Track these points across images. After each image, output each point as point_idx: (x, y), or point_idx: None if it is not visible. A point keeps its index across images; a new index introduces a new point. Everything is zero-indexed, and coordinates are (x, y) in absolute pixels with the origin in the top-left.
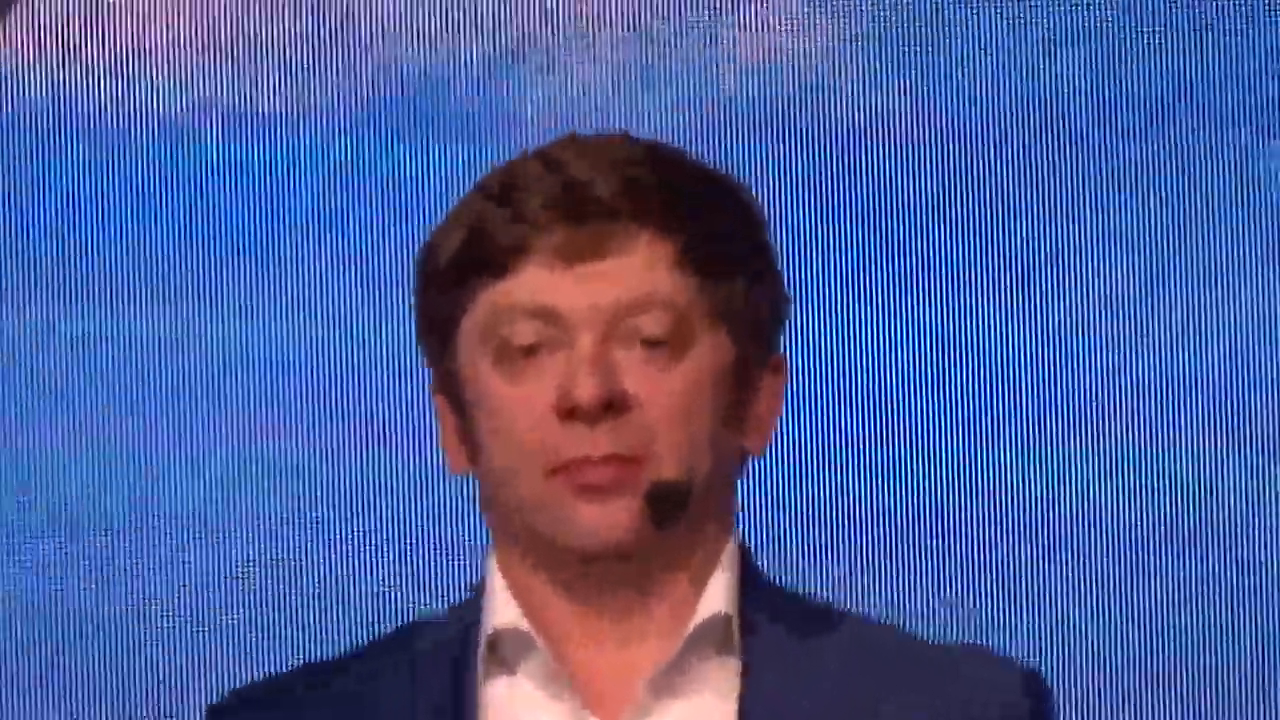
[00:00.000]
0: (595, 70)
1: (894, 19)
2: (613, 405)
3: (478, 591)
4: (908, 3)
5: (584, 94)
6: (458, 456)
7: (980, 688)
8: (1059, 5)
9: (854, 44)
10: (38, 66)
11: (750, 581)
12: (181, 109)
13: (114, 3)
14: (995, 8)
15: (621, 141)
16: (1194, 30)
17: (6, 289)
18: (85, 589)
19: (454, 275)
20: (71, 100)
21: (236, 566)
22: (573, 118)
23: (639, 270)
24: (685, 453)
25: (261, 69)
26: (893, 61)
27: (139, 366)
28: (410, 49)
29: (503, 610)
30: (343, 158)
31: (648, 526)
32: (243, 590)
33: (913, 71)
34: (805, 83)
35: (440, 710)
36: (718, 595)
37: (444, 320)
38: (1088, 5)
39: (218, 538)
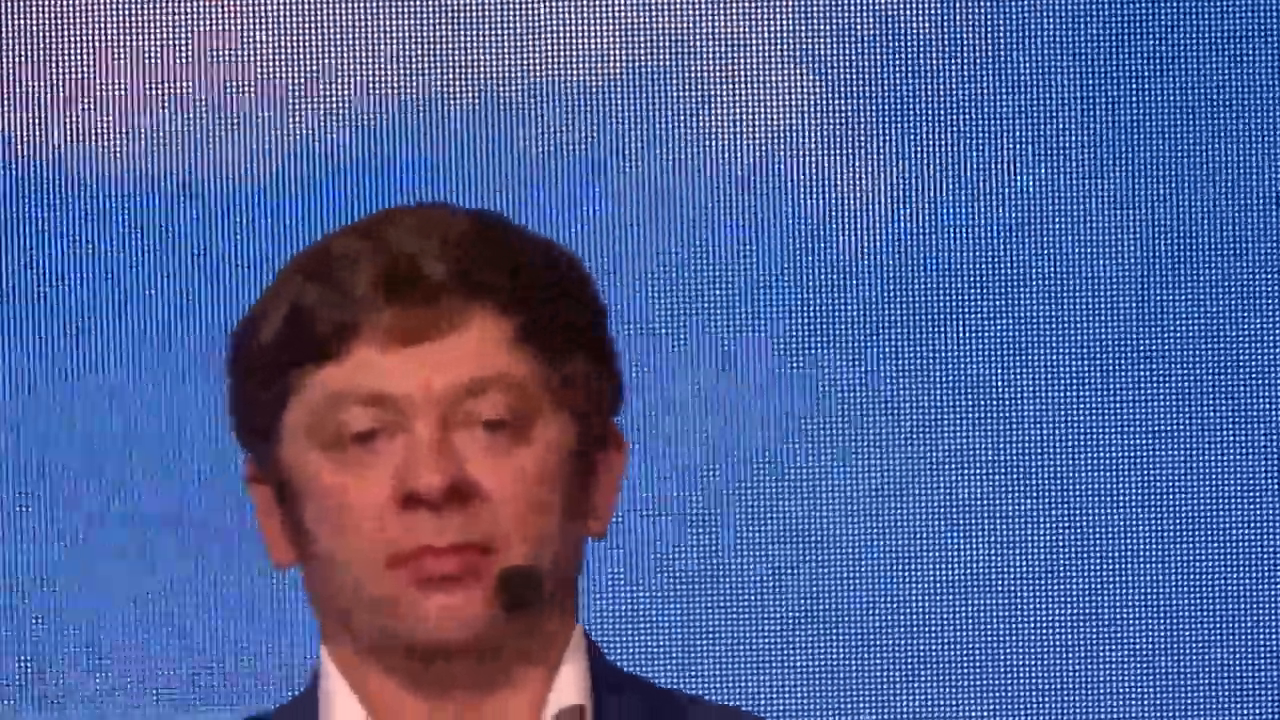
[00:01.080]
0: None
1: None
2: (457, 492)
3: (310, 690)
4: None
5: None
6: (283, 550)
7: None
8: None
9: None
10: None
11: (599, 669)
12: None
13: None
14: None
15: (446, 213)
16: None
17: None
18: None
19: (276, 358)
20: None
21: None
22: None
23: (475, 350)
24: (535, 538)
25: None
26: None
27: None
28: None
29: (344, 711)
30: None
31: (497, 616)
32: None
33: None
34: None
35: None
36: (570, 685)
37: (265, 406)
38: None
39: None
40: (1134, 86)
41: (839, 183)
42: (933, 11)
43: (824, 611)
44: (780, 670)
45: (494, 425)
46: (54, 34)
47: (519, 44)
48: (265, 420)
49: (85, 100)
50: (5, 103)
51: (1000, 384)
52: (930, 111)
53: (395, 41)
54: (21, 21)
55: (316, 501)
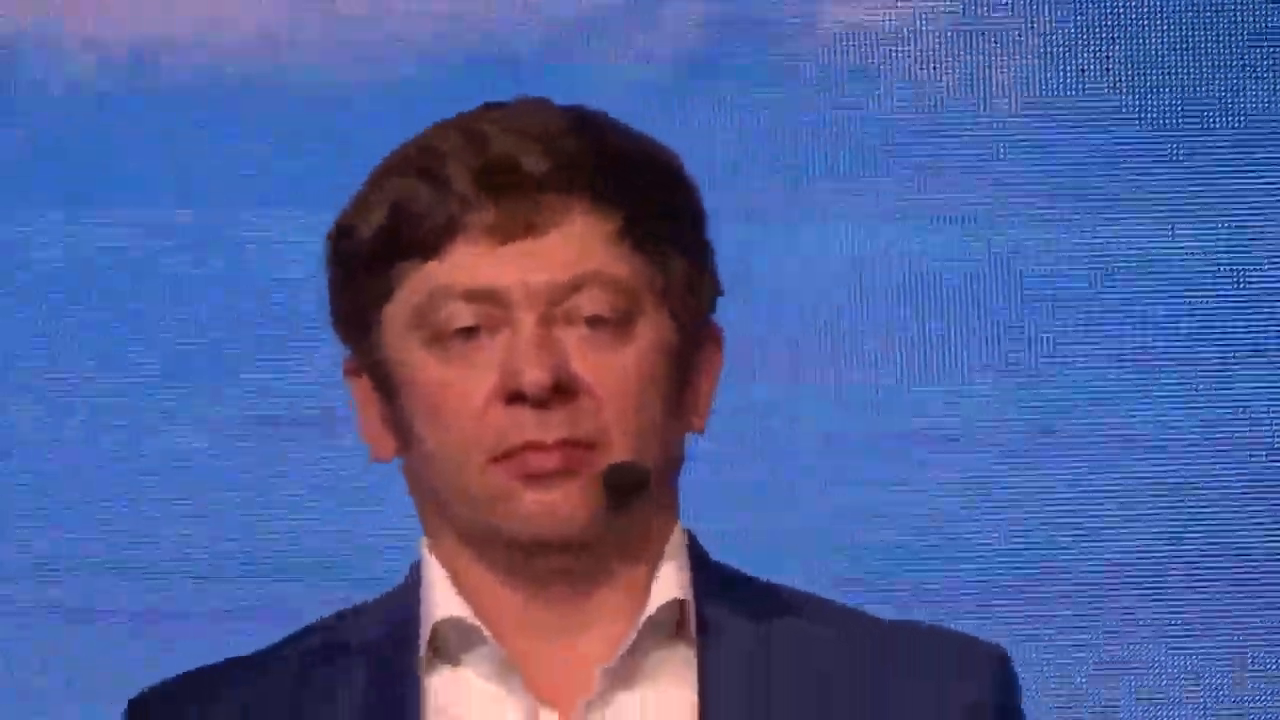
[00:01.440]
0: None
1: None
2: (561, 388)
3: (411, 582)
4: None
5: None
6: (383, 443)
7: (947, 664)
8: None
9: None
10: None
11: (700, 565)
12: None
13: None
14: None
15: (546, 108)
16: None
17: None
18: None
19: (377, 255)
20: None
21: None
22: None
23: (578, 247)
24: (638, 435)
25: None
26: None
27: None
28: None
29: (444, 601)
30: None
31: (600, 513)
32: None
33: None
34: None
35: (378, 705)
36: (670, 581)
37: (365, 304)
38: None
39: None
40: None
41: None
42: None
43: None
44: None
45: (596, 322)
46: None
47: None
48: (366, 315)
49: None
50: None
51: None
52: None
53: None
54: None
55: (419, 397)
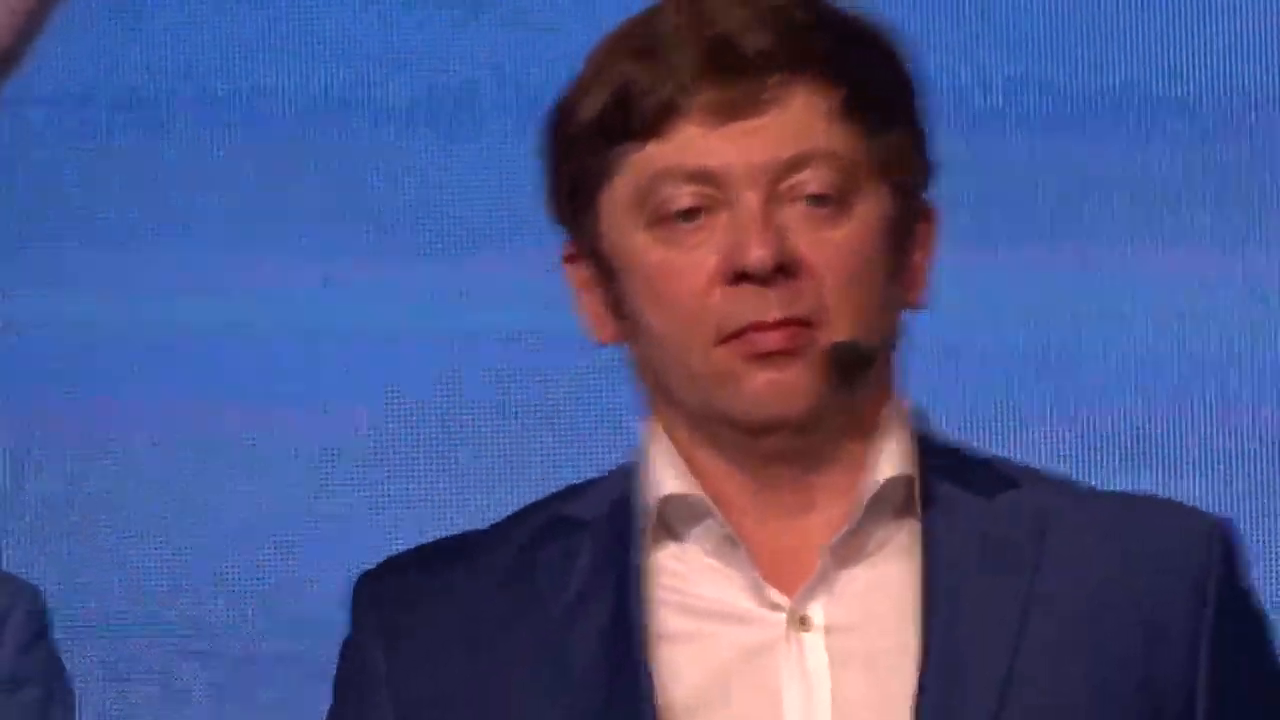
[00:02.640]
0: None
1: None
2: (784, 267)
3: (636, 461)
4: None
5: None
6: (604, 326)
7: (1170, 536)
8: None
9: None
10: None
11: (924, 441)
12: None
13: None
14: None
15: None
16: None
17: None
18: None
19: (597, 138)
20: None
21: None
22: None
23: (799, 125)
24: (861, 313)
25: None
26: None
27: None
28: None
29: (671, 478)
30: None
31: (825, 392)
32: None
33: None
34: None
35: (603, 577)
36: (894, 458)
37: (584, 186)
38: None
39: None
40: None
41: None
42: None
43: None
44: None
45: (817, 200)
46: None
47: None
48: (586, 198)
49: None
50: None
51: None
52: None
53: None
54: None
55: (641, 279)
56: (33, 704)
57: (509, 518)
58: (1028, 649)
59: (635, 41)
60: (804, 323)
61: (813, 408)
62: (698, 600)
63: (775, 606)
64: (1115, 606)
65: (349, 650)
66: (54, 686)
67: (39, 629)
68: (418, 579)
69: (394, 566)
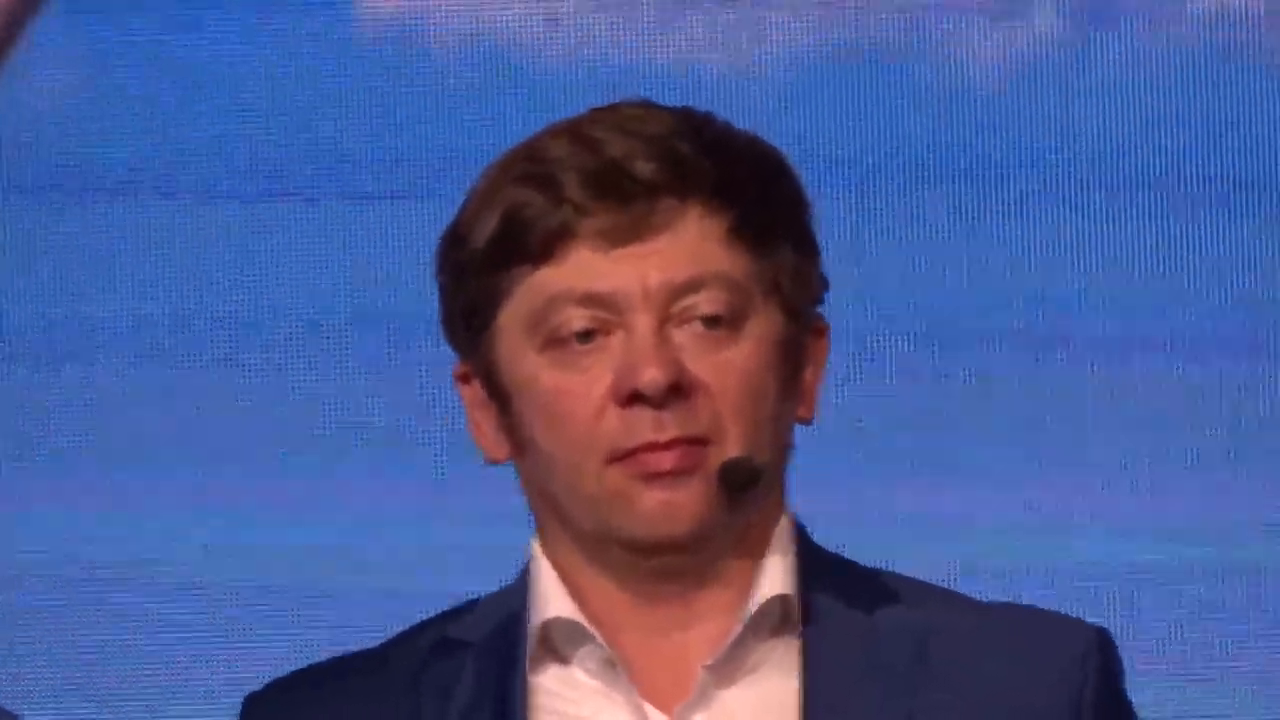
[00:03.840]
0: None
1: None
2: (678, 388)
3: (521, 581)
4: None
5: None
6: (495, 447)
7: (1049, 648)
8: None
9: None
10: None
11: (808, 556)
12: None
13: None
14: None
15: (650, 111)
16: None
17: None
18: None
19: (490, 261)
20: None
21: None
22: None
23: (690, 248)
24: (754, 430)
25: None
26: None
27: None
28: None
29: (555, 600)
30: None
31: (716, 511)
32: None
33: None
34: None
35: (485, 698)
36: (775, 576)
37: (479, 309)
38: None
39: None
40: None
41: None
42: None
43: None
44: None
45: (710, 321)
46: None
47: None
48: (480, 321)
49: None
50: None
51: None
52: None
53: None
54: None
55: (534, 400)
56: None
57: (397, 637)
58: None
59: (524, 167)
60: (697, 441)
61: (703, 527)
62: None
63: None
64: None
65: None
66: None
67: None
68: (303, 701)
69: (281, 688)
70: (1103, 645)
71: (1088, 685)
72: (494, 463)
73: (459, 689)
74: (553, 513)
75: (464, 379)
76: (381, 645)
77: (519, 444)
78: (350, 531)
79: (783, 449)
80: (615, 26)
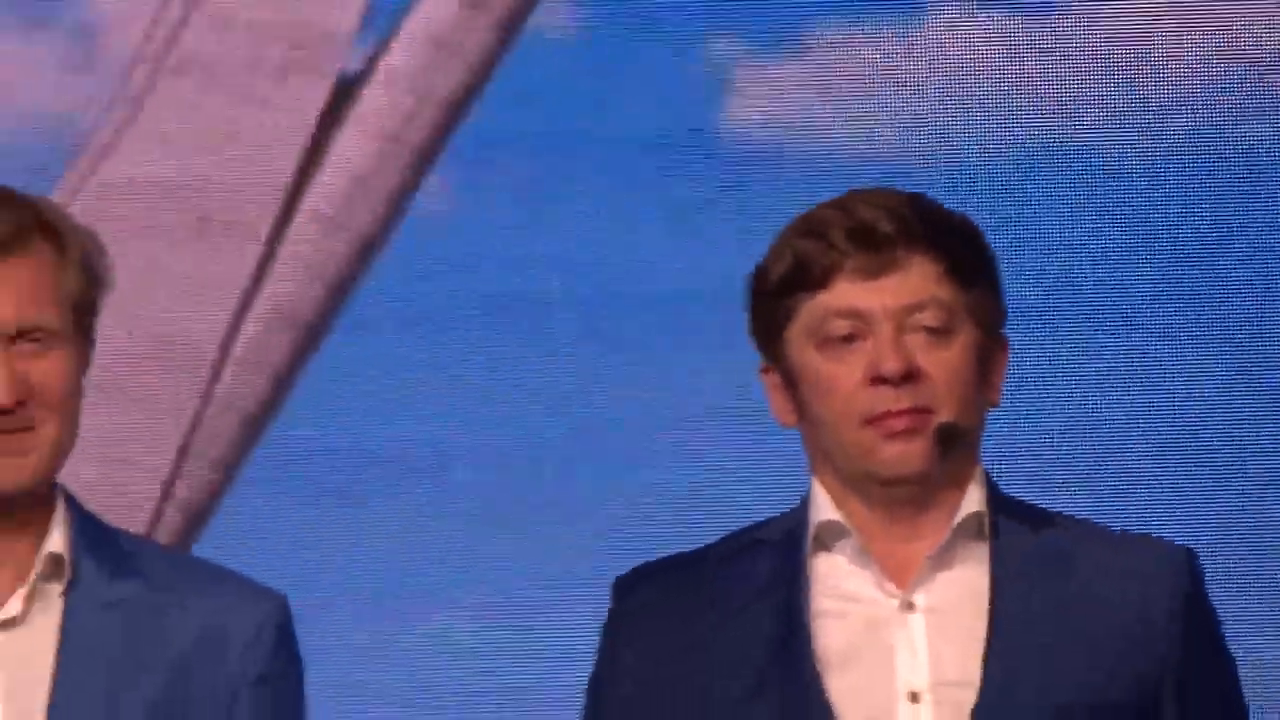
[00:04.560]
0: None
1: None
2: (909, 374)
3: (804, 501)
4: None
5: None
6: (787, 416)
7: (1157, 560)
8: None
9: None
10: None
11: (994, 493)
12: None
13: None
14: None
15: (890, 192)
16: None
17: None
18: None
19: (784, 290)
20: None
21: None
22: None
23: (916, 282)
24: (959, 405)
25: None
26: None
27: None
28: None
29: (825, 511)
30: None
31: (934, 458)
32: None
33: None
34: None
35: (780, 576)
36: (973, 502)
37: (777, 322)
38: None
39: None
40: None
41: None
42: None
43: None
44: None
45: (931, 331)
46: None
47: None
48: (777, 331)
49: None
50: None
51: None
52: None
53: None
54: None
55: (813, 383)
56: (282, 698)
57: (723, 539)
58: (1062, 628)
59: (805, 227)
60: (922, 410)
61: (925, 468)
62: (841, 590)
63: (891, 595)
64: (1119, 605)
65: (604, 636)
66: (297, 684)
67: (287, 634)
68: (657, 582)
69: (643, 572)
70: (1192, 560)
71: (1181, 589)
72: (787, 426)
73: (757, 572)
74: (824, 458)
75: (766, 372)
76: (715, 543)
77: (803, 413)
78: None
79: (978, 420)
80: None
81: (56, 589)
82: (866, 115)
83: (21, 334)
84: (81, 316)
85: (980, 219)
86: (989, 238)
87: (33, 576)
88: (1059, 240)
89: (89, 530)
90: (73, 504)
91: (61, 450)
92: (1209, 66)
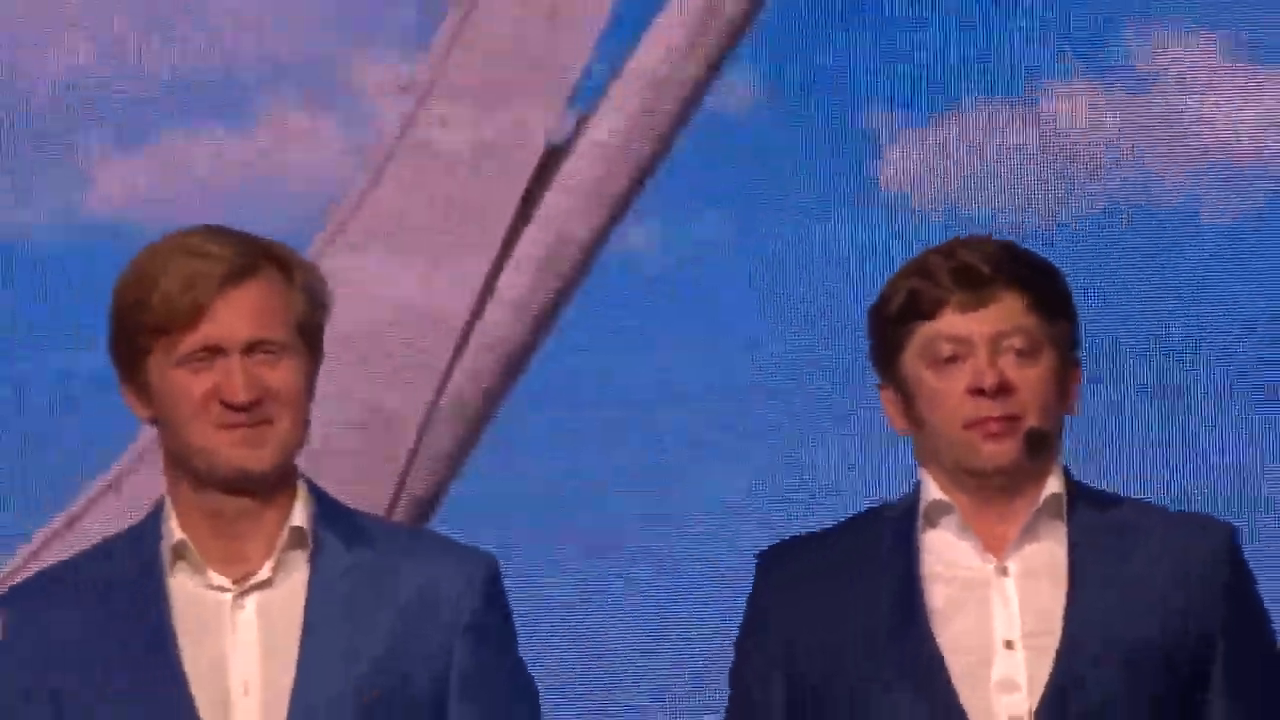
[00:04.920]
0: None
1: None
2: (1002, 387)
3: (915, 489)
4: None
5: None
6: (903, 425)
7: (1206, 536)
8: None
9: None
10: None
11: (1070, 482)
12: None
13: None
14: None
15: (986, 239)
16: None
17: None
18: None
19: (901, 320)
20: None
21: None
22: None
23: (1008, 313)
24: (1044, 414)
25: None
26: None
27: None
28: None
29: (933, 493)
30: None
31: (1023, 455)
32: None
33: None
34: None
35: (899, 546)
36: (1053, 487)
37: (894, 346)
38: None
39: None
40: None
41: None
42: None
43: None
44: None
45: (1020, 353)
46: None
47: None
48: (893, 354)
49: None
50: None
51: None
52: None
53: None
54: None
55: (924, 395)
56: (491, 645)
57: (855, 516)
58: (1127, 592)
59: (917, 267)
60: (1013, 417)
61: (1016, 464)
62: (946, 558)
63: (989, 561)
64: (1175, 576)
65: (750, 603)
66: (505, 633)
67: (494, 589)
68: (799, 556)
69: (785, 546)
70: (1235, 537)
71: (1228, 562)
72: (903, 434)
73: (880, 544)
74: (932, 455)
75: (884, 388)
76: (841, 523)
77: (916, 422)
78: None
79: (1059, 426)
80: None
81: (301, 556)
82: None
83: (256, 346)
84: (307, 334)
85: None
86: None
87: (279, 545)
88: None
89: (326, 508)
90: (313, 488)
91: (294, 441)
92: None
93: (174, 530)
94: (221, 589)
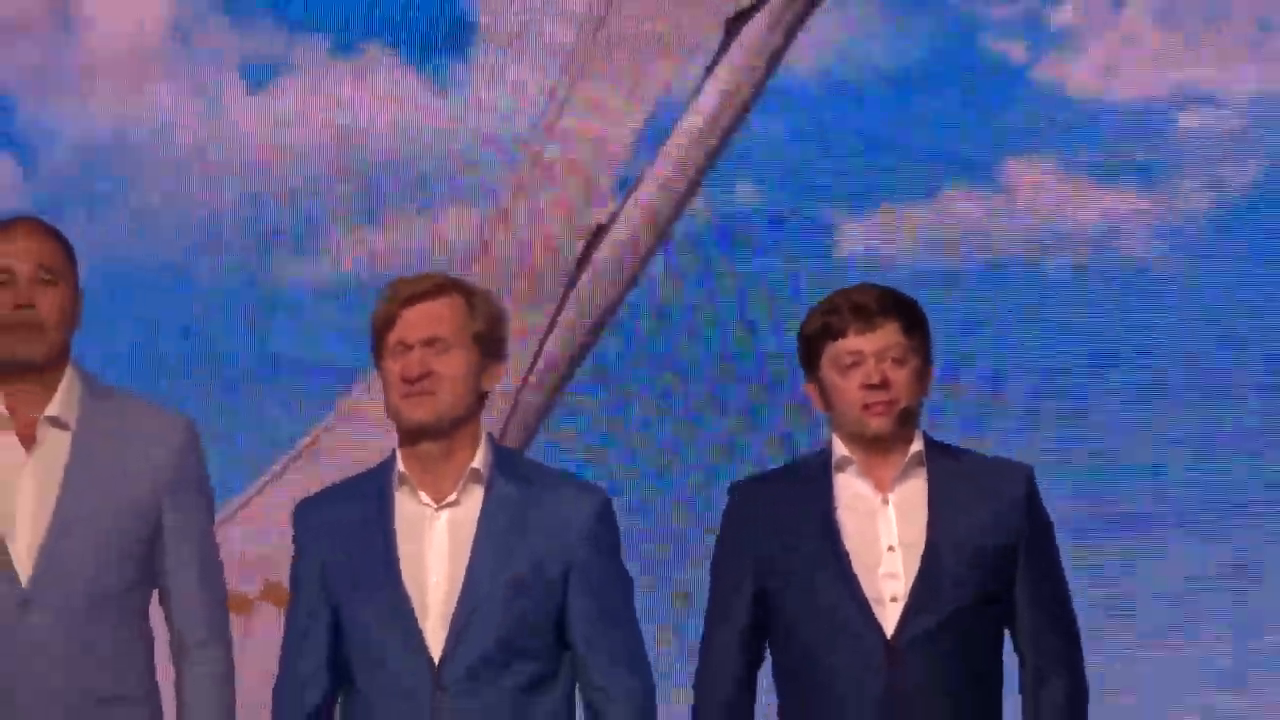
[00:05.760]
0: None
1: None
2: (884, 383)
3: (826, 445)
4: None
5: None
6: (821, 406)
7: (1010, 472)
8: None
9: None
10: None
11: (929, 442)
12: None
13: None
14: None
15: (871, 286)
16: None
17: None
18: None
19: (818, 339)
20: None
21: None
22: None
23: (888, 336)
24: (910, 398)
25: None
26: None
27: None
28: None
29: (841, 450)
30: None
31: (898, 425)
32: None
33: None
34: None
35: (819, 485)
36: (917, 446)
37: (814, 356)
38: None
39: None
40: None
41: None
42: None
43: None
44: None
45: (895, 360)
46: None
47: None
48: (814, 361)
49: None
50: None
51: None
52: None
53: None
54: None
55: (834, 389)
56: (601, 571)
57: (791, 462)
58: (968, 510)
59: (828, 305)
60: (893, 401)
61: (891, 431)
62: (850, 492)
63: (877, 494)
64: (995, 495)
65: (724, 520)
66: (615, 561)
67: (606, 520)
68: (757, 485)
69: (748, 480)
70: (1031, 474)
71: (1026, 492)
72: (823, 412)
73: (812, 481)
74: (839, 426)
75: (807, 383)
76: (788, 463)
77: (829, 405)
78: None
79: (920, 404)
80: None
81: (479, 489)
82: None
83: (429, 342)
84: (482, 343)
85: None
86: None
87: (463, 479)
88: None
89: (499, 455)
90: (490, 439)
91: (451, 407)
92: None
93: (399, 465)
94: (426, 505)
